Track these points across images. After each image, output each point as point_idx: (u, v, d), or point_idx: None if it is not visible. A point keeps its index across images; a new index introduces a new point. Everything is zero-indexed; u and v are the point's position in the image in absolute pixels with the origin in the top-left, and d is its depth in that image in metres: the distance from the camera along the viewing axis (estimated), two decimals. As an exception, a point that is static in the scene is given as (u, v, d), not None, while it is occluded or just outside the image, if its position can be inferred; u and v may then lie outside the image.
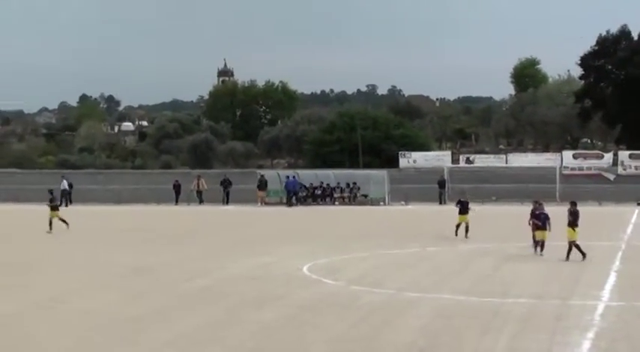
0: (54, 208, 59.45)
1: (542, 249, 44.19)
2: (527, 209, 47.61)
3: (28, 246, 51.84)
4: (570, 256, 42.07)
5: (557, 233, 43.23)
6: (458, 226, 52.13)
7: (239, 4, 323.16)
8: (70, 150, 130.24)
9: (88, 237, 56.11)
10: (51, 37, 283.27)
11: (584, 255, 41.97)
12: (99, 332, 28.01)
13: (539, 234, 44.40)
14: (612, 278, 36.35)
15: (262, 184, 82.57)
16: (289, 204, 79.85)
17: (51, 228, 57.88)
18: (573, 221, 42.55)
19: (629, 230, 51.79)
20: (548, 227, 44.22)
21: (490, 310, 30.70)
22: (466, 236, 51.59)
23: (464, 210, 52.16)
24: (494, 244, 47.09)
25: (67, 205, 79.68)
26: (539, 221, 44.42)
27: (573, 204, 43.46)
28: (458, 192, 50.60)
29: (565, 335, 26.57)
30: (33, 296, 34.12)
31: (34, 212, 69.66)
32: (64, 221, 58.42)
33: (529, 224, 46.11)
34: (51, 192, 62.66)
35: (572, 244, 42.17)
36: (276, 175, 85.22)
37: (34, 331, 27.25)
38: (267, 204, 79.71)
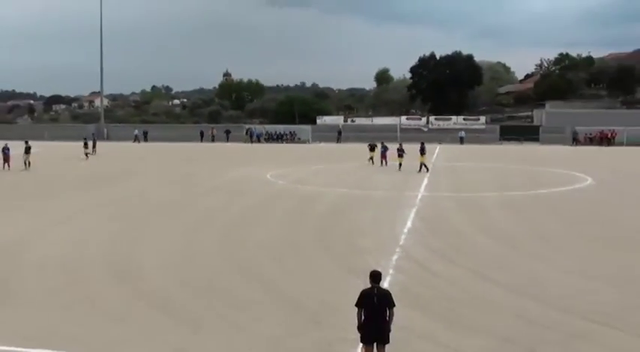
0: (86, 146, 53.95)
1: (400, 167, 42.15)
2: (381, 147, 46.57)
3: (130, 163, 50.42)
4: (410, 170, 41.16)
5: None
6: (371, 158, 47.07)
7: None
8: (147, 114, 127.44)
9: (162, 159, 54.57)
10: (134, 46, 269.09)
11: (427, 169, 41.26)
12: (170, 209, 27.87)
13: (399, 159, 42.49)
14: (425, 182, 36.43)
15: (247, 132, 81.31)
16: (252, 141, 78.29)
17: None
18: (422, 152, 41.80)
19: (435, 155, 51.72)
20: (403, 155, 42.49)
21: (365, 197, 31.04)
22: (373, 162, 46.21)
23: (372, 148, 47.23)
24: (365, 163, 46.38)
25: (139, 142, 78.64)
26: (398, 153, 42.70)
27: (422, 143, 42.74)
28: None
29: (401, 209, 26.85)
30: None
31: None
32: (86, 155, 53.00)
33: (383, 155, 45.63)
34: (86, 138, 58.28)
35: (422, 163, 41.52)
36: (252, 127, 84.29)
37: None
38: (250, 143, 78.45)
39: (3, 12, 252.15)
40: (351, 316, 10.66)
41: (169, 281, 16.07)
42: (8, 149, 43.99)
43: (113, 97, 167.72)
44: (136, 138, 79.02)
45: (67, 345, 11.86)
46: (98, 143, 61.16)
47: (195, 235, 21.67)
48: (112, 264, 17.66)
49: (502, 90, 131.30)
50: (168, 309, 13.88)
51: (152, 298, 14.66)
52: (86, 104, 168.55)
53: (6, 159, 43.37)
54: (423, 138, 52.09)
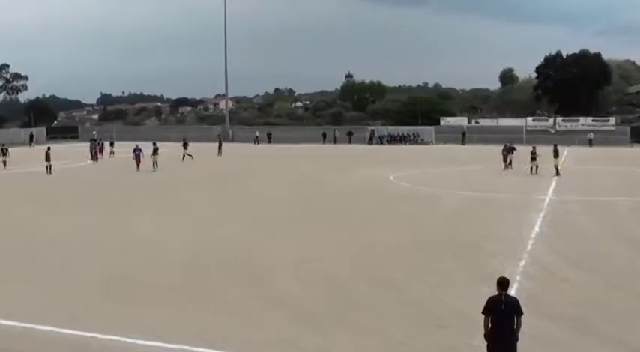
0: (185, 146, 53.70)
1: (532, 171, 40.33)
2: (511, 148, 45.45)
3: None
4: (540, 172, 40.06)
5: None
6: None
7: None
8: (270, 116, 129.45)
9: (284, 160, 55.44)
10: (258, 50, 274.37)
11: (558, 172, 39.53)
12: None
13: (532, 163, 40.58)
14: (553, 185, 35.55)
15: (371, 134, 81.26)
16: (371, 143, 77.94)
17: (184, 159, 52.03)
18: (555, 154, 40.30)
19: (562, 158, 50.41)
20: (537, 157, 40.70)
21: (491, 200, 30.66)
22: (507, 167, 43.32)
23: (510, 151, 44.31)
24: (495, 166, 45.44)
25: (258, 144, 79.98)
26: (531, 156, 40.68)
27: (555, 145, 41.28)
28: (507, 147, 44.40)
29: (528, 213, 26.32)
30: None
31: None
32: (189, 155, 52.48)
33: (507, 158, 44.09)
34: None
35: (556, 166, 39.96)
36: (374, 129, 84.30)
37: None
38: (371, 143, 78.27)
39: (131, 19, 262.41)
40: (477, 322, 10.53)
41: (292, 281, 16.36)
42: (140, 150, 45.68)
43: (237, 99, 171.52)
44: (256, 140, 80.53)
45: (191, 340, 12.22)
46: (223, 144, 62.71)
47: (319, 235, 21.97)
48: (237, 263, 18.12)
49: (632, 89, 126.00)
50: (294, 310, 14.11)
51: (276, 298, 14.93)
52: (211, 106, 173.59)
53: (137, 161, 45.08)
54: (556, 140, 50.75)
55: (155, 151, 45.60)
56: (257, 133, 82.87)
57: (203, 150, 59.23)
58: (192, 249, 19.93)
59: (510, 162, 44.16)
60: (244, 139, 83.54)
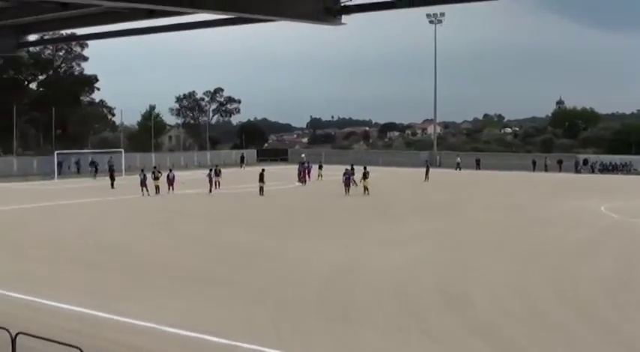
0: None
1: None
2: None
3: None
4: None
5: None
6: None
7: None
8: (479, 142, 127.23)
9: (491, 187, 54.76)
10: (466, 75, 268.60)
11: None
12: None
13: None
14: None
15: (577, 162, 78.35)
16: (581, 171, 74.67)
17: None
18: None
19: None
20: None
21: None
22: None
23: None
24: None
25: (460, 170, 78.93)
26: None
27: None
28: None
29: None
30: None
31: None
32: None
33: None
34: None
35: None
36: (587, 157, 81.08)
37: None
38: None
39: (341, 48, 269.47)
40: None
41: (497, 311, 16.48)
42: (350, 174, 46.69)
43: (445, 125, 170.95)
44: (457, 166, 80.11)
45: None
46: (431, 170, 63.04)
47: (527, 266, 21.83)
48: (443, 291, 18.40)
49: None
50: (493, 338, 14.27)
51: (478, 326, 15.15)
52: (419, 131, 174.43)
53: (347, 184, 46.05)
54: None
55: (365, 175, 45.99)
56: (458, 159, 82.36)
57: (409, 175, 59.94)
58: (399, 275, 20.55)
59: None
60: (453, 165, 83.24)
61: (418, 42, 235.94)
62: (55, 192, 49.62)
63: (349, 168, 48.09)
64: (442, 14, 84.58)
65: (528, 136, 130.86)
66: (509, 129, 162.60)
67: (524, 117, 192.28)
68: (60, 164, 65.83)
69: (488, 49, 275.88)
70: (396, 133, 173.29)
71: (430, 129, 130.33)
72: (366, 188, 45.48)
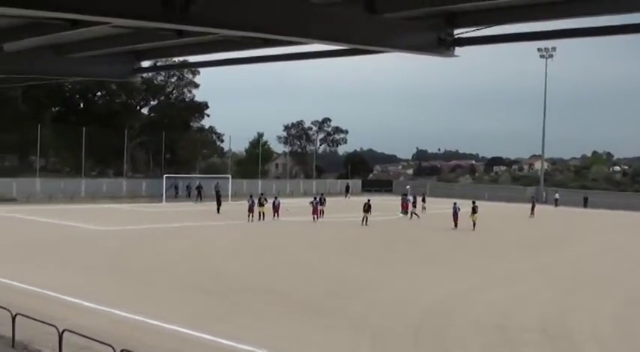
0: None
1: None
2: None
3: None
4: None
5: None
6: None
7: None
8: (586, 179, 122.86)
9: (598, 227, 52.94)
10: (576, 111, 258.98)
11: None
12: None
13: None
14: None
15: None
16: None
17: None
18: None
19: None
20: None
21: None
22: None
23: None
24: None
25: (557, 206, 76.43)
26: None
27: None
28: None
29: None
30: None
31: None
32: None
33: None
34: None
35: None
36: None
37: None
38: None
39: (444, 81, 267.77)
40: None
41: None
42: (459, 209, 45.69)
43: (553, 161, 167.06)
44: (555, 202, 77.66)
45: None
46: (537, 206, 61.48)
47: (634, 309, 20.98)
48: (545, 329, 17.82)
49: None
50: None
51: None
52: (526, 167, 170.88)
53: (455, 218, 45.08)
54: None
55: (474, 210, 44.82)
56: (557, 195, 79.97)
57: (514, 210, 58.54)
58: (498, 312, 19.93)
59: None
60: (560, 202, 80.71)
61: (528, 75, 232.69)
62: (163, 214, 50.79)
63: (456, 202, 47.14)
64: (554, 48, 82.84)
65: (638, 175, 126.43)
66: (617, 168, 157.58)
67: (634, 155, 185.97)
68: (176, 187, 67.92)
69: (598, 83, 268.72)
70: (503, 168, 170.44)
71: (537, 165, 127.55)
72: (474, 223, 44.38)
